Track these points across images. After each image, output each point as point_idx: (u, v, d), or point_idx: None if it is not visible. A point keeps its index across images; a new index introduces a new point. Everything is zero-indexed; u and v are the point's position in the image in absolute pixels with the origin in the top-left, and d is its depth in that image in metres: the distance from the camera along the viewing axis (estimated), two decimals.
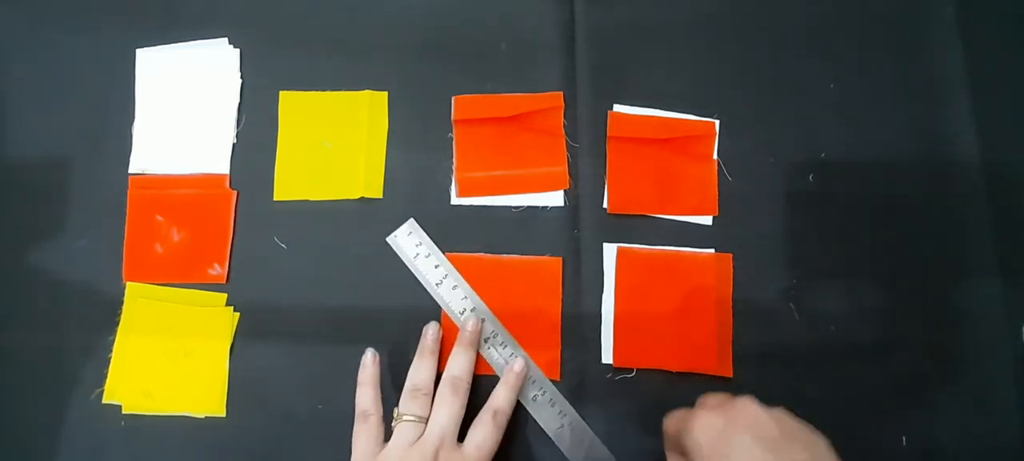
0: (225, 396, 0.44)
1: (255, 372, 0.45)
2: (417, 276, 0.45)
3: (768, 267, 0.46)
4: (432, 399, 0.41)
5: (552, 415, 0.44)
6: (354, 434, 0.41)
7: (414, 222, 0.46)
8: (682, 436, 0.36)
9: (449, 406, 0.40)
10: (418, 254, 0.46)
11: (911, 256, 0.47)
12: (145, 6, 0.50)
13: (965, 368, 0.46)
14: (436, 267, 0.45)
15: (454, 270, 0.46)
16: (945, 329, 0.46)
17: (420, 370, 0.42)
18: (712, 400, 0.37)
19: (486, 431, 0.40)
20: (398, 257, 0.46)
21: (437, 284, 0.45)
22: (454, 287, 0.45)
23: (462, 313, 0.45)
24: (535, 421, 0.44)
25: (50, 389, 0.45)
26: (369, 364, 0.43)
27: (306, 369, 0.45)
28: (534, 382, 0.44)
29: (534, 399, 0.44)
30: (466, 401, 0.41)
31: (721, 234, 0.47)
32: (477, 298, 0.45)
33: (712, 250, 0.47)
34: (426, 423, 0.40)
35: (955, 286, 0.47)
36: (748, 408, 0.35)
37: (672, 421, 0.38)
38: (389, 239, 0.46)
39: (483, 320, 0.44)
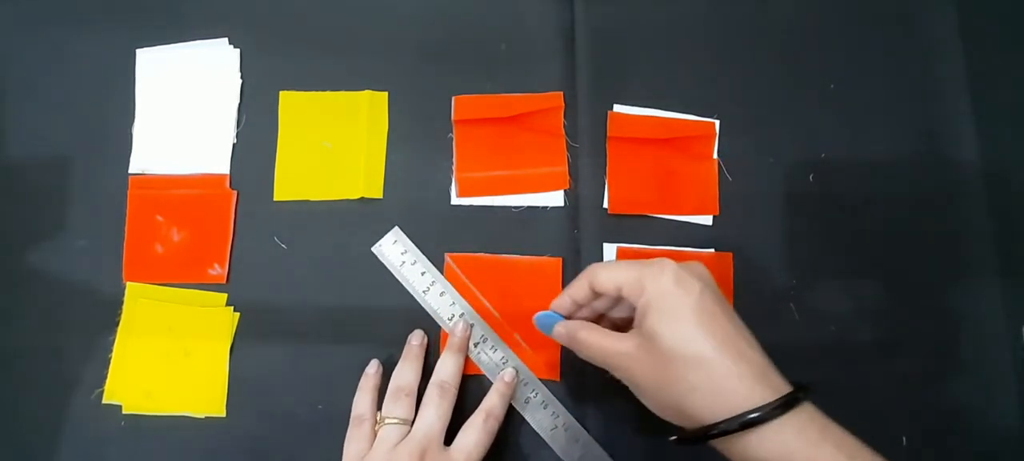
0: (225, 396, 0.44)
1: (255, 372, 0.45)
2: (404, 284, 0.45)
3: (768, 267, 0.46)
4: (416, 402, 0.41)
5: (545, 416, 0.44)
6: (347, 438, 0.41)
7: (399, 230, 0.46)
8: (631, 285, 0.35)
9: (436, 407, 0.40)
10: (404, 262, 0.46)
11: (911, 256, 0.47)
12: (145, 6, 0.50)
13: (965, 368, 0.46)
14: (422, 274, 0.45)
15: (441, 277, 0.45)
16: (945, 329, 0.46)
17: (403, 372, 0.42)
18: (650, 259, 0.37)
19: (476, 436, 0.40)
20: None
21: (424, 292, 0.45)
22: (441, 293, 0.45)
23: (450, 319, 0.45)
24: (528, 424, 0.44)
25: (50, 389, 0.45)
26: (372, 374, 0.43)
27: (306, 369, 0.45)
28: (527, 384, 0.44)
29: (527, 401, 0.44)
30: (453, 405, 0.41)
31: (721, 234, 0.47)
32: (465, 304, 0.45)
33: (712, 250, 0.47)
34: (410, 425, 0.40)
35: (955, 286, 0.47)
36: (698, 263, 0.36)
37: (612, 271, 0.36)
38: (374, 248, 0.46)
39: (472, 325, 0.44)
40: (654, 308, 0.34)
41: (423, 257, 0.46)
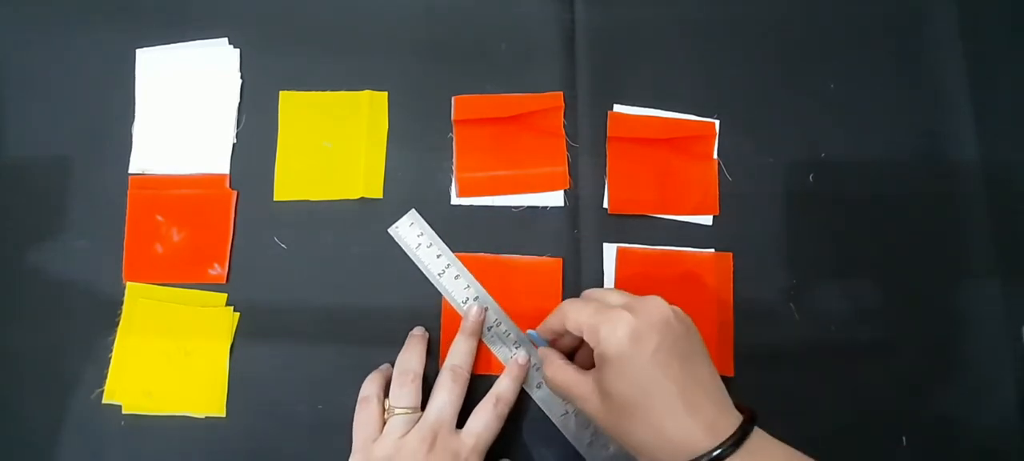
0: (225, 396, 0.44)
1: (255, 372, 0.45)
2: (419, 266, 0.45)
3: (768, 267, 0.46)
4: (422, 387, 0.41)
5: (556, 402, 0.44)
6: (355, 421, 0.41)
7: (416, 213, 0.46)
8: (590, 332, 0.36)
9: (448, 392, 0.40)
10: (420, 244, 0.46)
11: (911, 256, 0.47)
12: (145, 6, 0.50)
13: (965, 368, 0.46)
14: (438, 257, 0.46)
15: (456, 260, 0.46)
16: (945, 329, 0.46)
17: (408, 357, 0.42)
18: (614, 297, 0.38)
19: (487, 419, 0.40)
20: (398, 257, 0.46)
21: (439, 275, 0.45)
22: (456, 276, 0.45)
23: (465, 302, 0.45)
24: (538, 409, 0.44)
25: (50, 389, 0.45)
26: (384, 368, 0.44)
27: (306, 369, 0.45)
28: (539, 369, 0.44)
29: (539, 386, 0.44)
30: (465, 389, 0.41)
31: (721, 234, 0.47)
32: (480, 288, 0.45)
33: (712, 250, 0.47)
34: (418, 412, 0.40)
35: (955, 286, 0.47)
36: (660, 309, 0.36)
37: (577, 313, 0.37)
38: (391, 230, 0.46)
39: (486, 309, 0.44)
40: (607, 361, 0.35)
41: (438, 240, 0.46)
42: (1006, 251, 0.47)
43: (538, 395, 0.44)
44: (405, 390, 0.41)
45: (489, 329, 0.45)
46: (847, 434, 0.45)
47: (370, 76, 0.48)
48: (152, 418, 0.44)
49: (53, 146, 0.48)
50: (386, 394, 0.42)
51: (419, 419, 0.40)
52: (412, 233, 0.46)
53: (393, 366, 0.43)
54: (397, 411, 0.40)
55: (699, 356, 0.36)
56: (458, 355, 0.42)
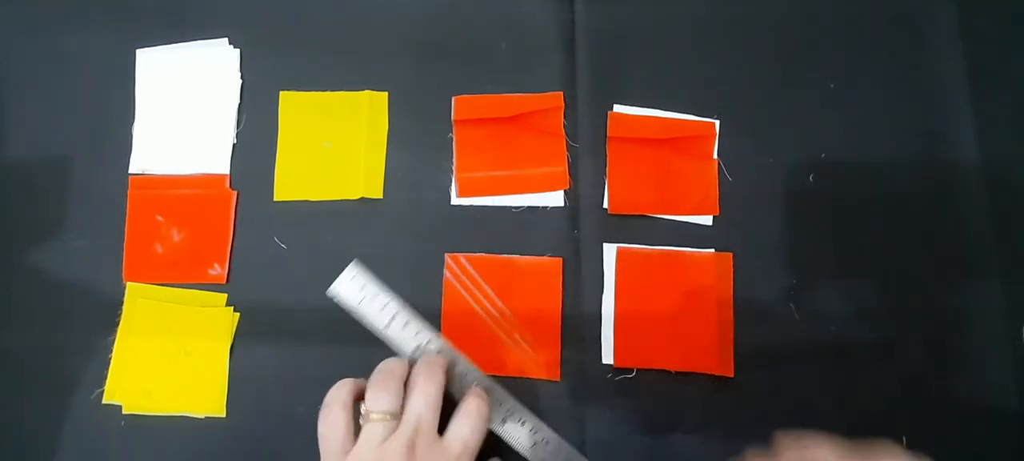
0: (225, 396, 0.44)
1: (255, 372, 0.45)
2: (364, 323, 0.43)
3: (768, 267, 0.46)
4: (404, 387, 0.38)
5: (524, 433, 0.41)
6: (318, 431, 0.37)
7: (355, 265, 0.44)
8: None
9: (424, 393, 0.37)
10: (363, 299, 0.43)
11: (911, 256, 0.47)
12: (145, 6, 0.50)
13: (965, 368, 0.46)
14: (382, 309, 0.42)
15: (405, 307, 0.43)
16: (945, 329, 0.46)
17: (391, 360, 0.40)
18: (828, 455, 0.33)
19: (471, 422, 0.38)
20: (397, 259, 0.46)
21: (385, 327, 0.42)
22: (405, 324, 0.42)
23: (415, 350, 0.42)
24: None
25: (50, 389, 0.45)
26: (355, 381, 0.39)
27: (306, 369, 0.45)
28: (500, 404, 0.41)
29: (503, 422, 0.41)
30: (443, 387, 0.38)
31: (721, 234, 0.47)
32: (431, 331, 0.42)
33: (712, 250, 0.47)
34: (396, 418, 0.37)
35: (955, 286, 0.47)
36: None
37: None
38: (329, 292, 0.43)
39: (439, 350, 0.42)
40: None
41: (383, 289, 0.43)
42: (1006, 251, 0.47)
43: (503, 431, 0.41)
44: (385, 394, 0.37)
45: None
46: (847, 434, 0.44)
47: (370, 76, 0.48)
48: (152, 418, 0.44)
49: (53, 146, 0.48)
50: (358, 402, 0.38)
51: (396, 426, 0.36)
52: (354, 288, 0.43)
53: (380, 358, 0.41)
54: (374, 415, 0.36)
55: None
56: (432, 350, 0.40)
